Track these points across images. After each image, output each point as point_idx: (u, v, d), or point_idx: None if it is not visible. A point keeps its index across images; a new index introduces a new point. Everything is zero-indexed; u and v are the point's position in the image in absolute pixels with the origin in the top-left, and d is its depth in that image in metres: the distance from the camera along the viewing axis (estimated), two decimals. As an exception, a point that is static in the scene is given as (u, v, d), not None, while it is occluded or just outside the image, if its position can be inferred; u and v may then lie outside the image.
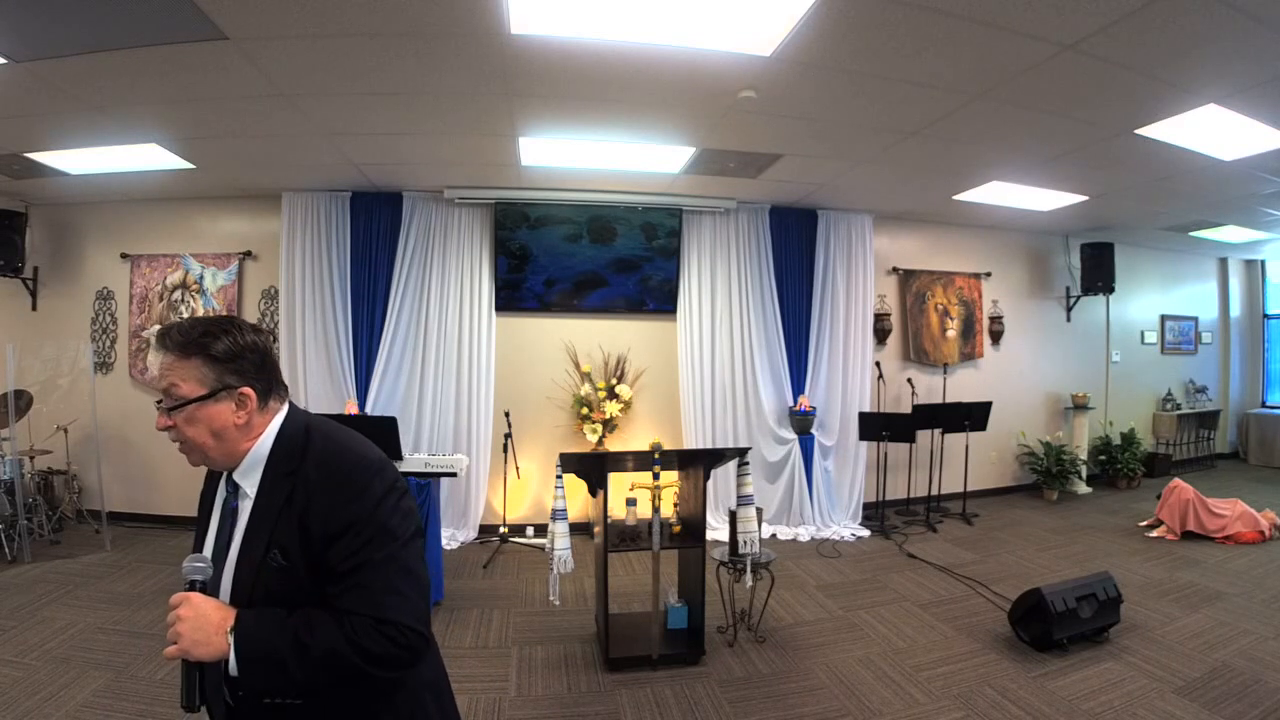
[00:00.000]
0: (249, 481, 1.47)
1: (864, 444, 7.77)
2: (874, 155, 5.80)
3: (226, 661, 1.31)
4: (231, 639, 1.31)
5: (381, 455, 1.53)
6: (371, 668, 1.35)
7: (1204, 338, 11.07)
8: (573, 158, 5.99)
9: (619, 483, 4.54)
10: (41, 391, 6.83)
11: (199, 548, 1.51)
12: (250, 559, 1.41)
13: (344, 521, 1.39)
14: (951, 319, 8.71)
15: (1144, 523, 7.37)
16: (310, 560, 1.40)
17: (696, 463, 4.49)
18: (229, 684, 1.35)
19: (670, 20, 3.59)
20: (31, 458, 6.56)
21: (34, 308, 7.30)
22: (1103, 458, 9.44)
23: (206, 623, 1.31)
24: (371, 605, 1.37)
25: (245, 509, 1.46)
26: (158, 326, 7.17)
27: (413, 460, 5.21)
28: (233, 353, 1.45)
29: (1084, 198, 7.14)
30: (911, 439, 7.49)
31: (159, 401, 1.44)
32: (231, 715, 1.42)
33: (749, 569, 4.48)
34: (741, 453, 4.50)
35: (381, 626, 1.35)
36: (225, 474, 1.51)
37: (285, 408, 1.56)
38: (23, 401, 6.54)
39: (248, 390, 1.47)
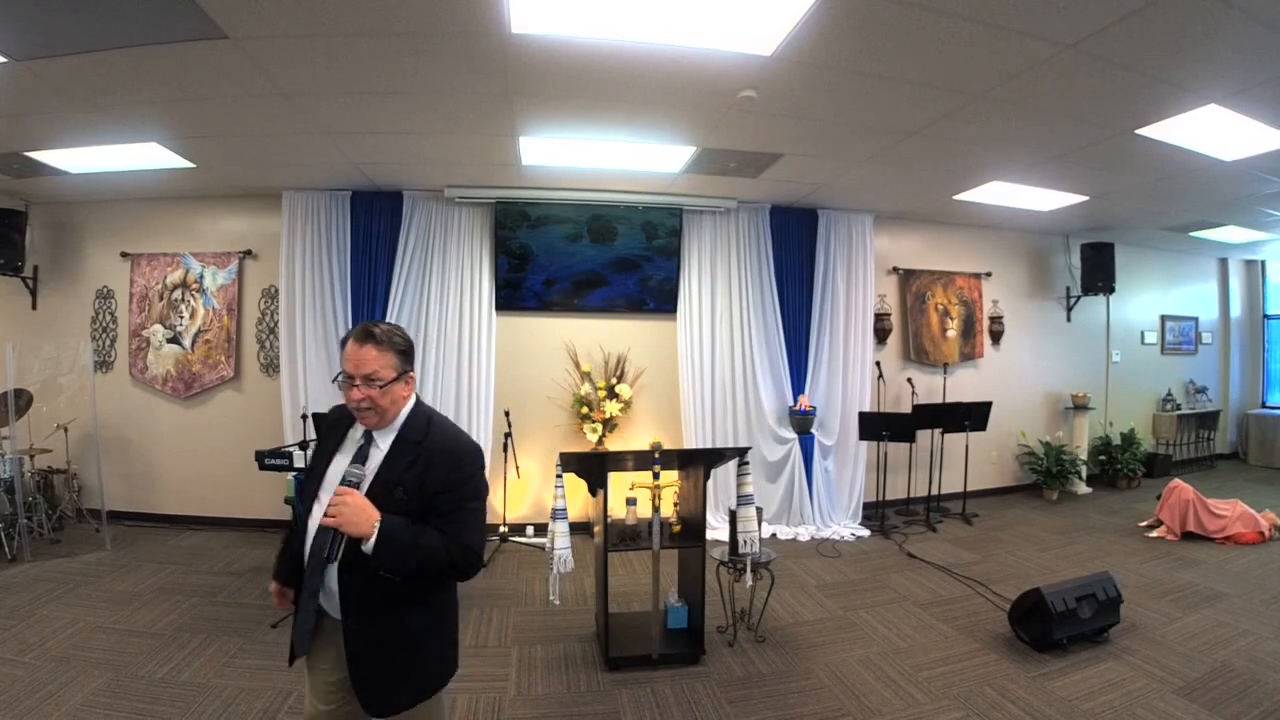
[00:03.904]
0: (385, 439, 2.22)
1: (864, 444, 7.77)
2: (874, 155, 5.80)
3: (352, 540, 2.01)
4: (378, 525, 1.99)
5: (477, 443, 2.35)
6: (449, 570, 2.15)
7: (1204, 338, 11.08)
8: (573, 157, 5.99)
9: (619, 482, 4.54)
10: (41, 390, 6.83)
11: (317, 472, 2.29)
12: (382, 488, 2.12)
13: (452, 482, 2.18)
14: (951, 319, 8.71)
15: (1144, 523, 7.37)
16: (421, 499, 2.13)
17: (696, 462, 4.49)
18: (347, 562, 2.06)
19: (671, 20, 3.59)
20: (31, 456, 6.56)
21: (34, 306, 7.30)
22: (1103, 458, 9.44)
23: (364, 511, 2.01)
24: (461, 534, 2.15)
25: (376, 455, 2.19)
26: (158, 326, 7.19)
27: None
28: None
29: (1084, 198, 7.14)
30: (911, 439, 7.50)
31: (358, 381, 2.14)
32: (343, 574, 2.10)
33: (749, 569, 4.48)
34: (741, 452, 4.50)
35: (464, 548, 2.15)
36: (363, 430, 2.24)
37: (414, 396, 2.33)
38: (23, 400, 6.54)
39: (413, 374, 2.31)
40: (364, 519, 2.00)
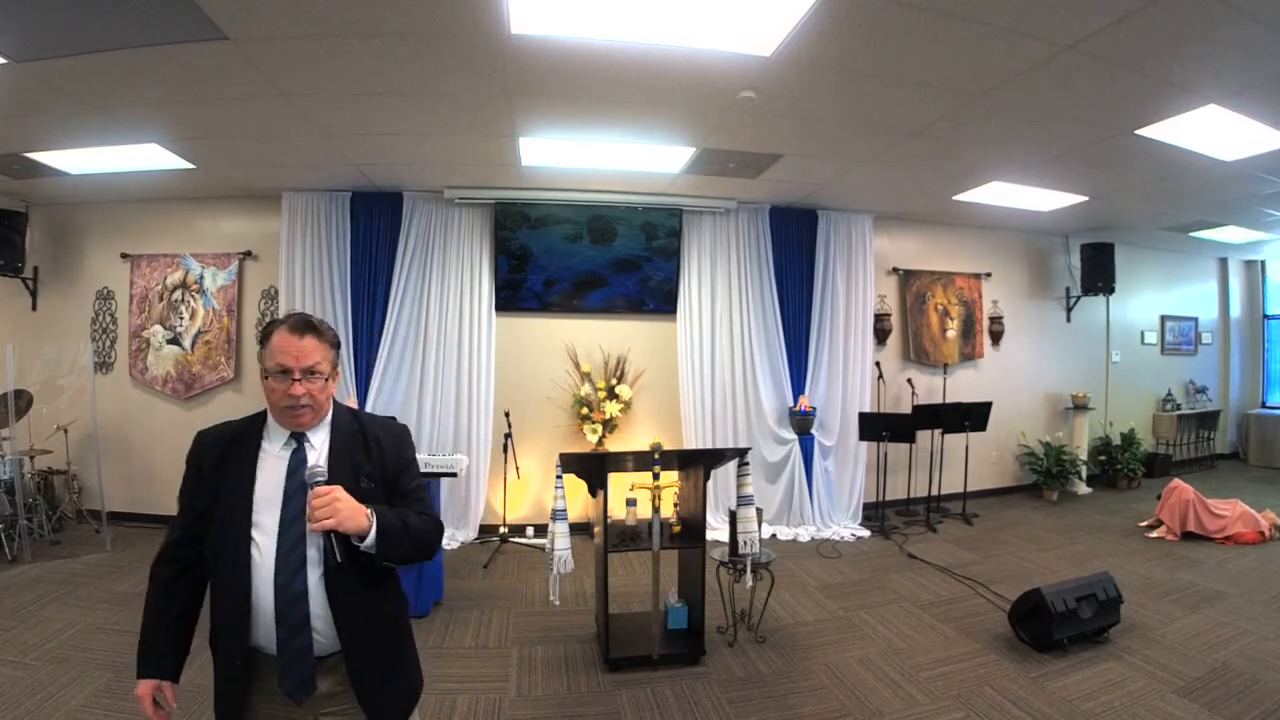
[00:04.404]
0: (319, 437, 2.03)
1: (864, 444, 7.77)
2: (874, 155, 5.80)
3: (346, 536, 1.85)
4: (374, 518, 1.87)
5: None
6: (429, 545, 2.08)
7: (1204, 338, 11.08)
8: (573, 158, 5.99)
9: (619, 483, 4.54)
10: (42, 391, 6.83)
11: (238, 495, 1.92)
12: (343, 481, 1.91)
13: (406, 461, 2.16)
14: (951, 319, 8.71)
15: (1144, 523, 7.37)
16: (385, 483, 2.06)
17: (696, 463, 4.49)
18: (345, 555, 1.86)
19: (670, 20, 3.59)
20: (32, 458, 6.57)
21: (34, 308, 7.30)
22: (1103, 458, 9.44)
23: (355, 506, 1.85)
24: (429, 509, 2.14)
25: (313, 454, 1.99)
26: (158, 327, 7.19)
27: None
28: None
29: (1084, 198, 7.14)
30: (911, 439, 7.50)
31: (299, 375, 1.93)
32: (332, 585, 1.90)
33: (749, 569, 4.48)
34: (741, 453, 4.50)
35: (435, 521, 2.13)
36: (288, 437, 2.00)
37: None
38: (23, 401, 6.54)
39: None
40: (359, 512, 1.85)
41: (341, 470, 1.96)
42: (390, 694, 2.03)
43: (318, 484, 1.86)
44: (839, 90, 4.45)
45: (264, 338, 1.99)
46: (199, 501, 1.96)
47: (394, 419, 2.27)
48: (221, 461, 1.97)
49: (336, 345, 2.06)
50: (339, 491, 1.85)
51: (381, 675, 2.01)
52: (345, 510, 1.82)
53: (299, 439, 2.00)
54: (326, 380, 1.99)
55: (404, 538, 1.95)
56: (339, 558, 1.84)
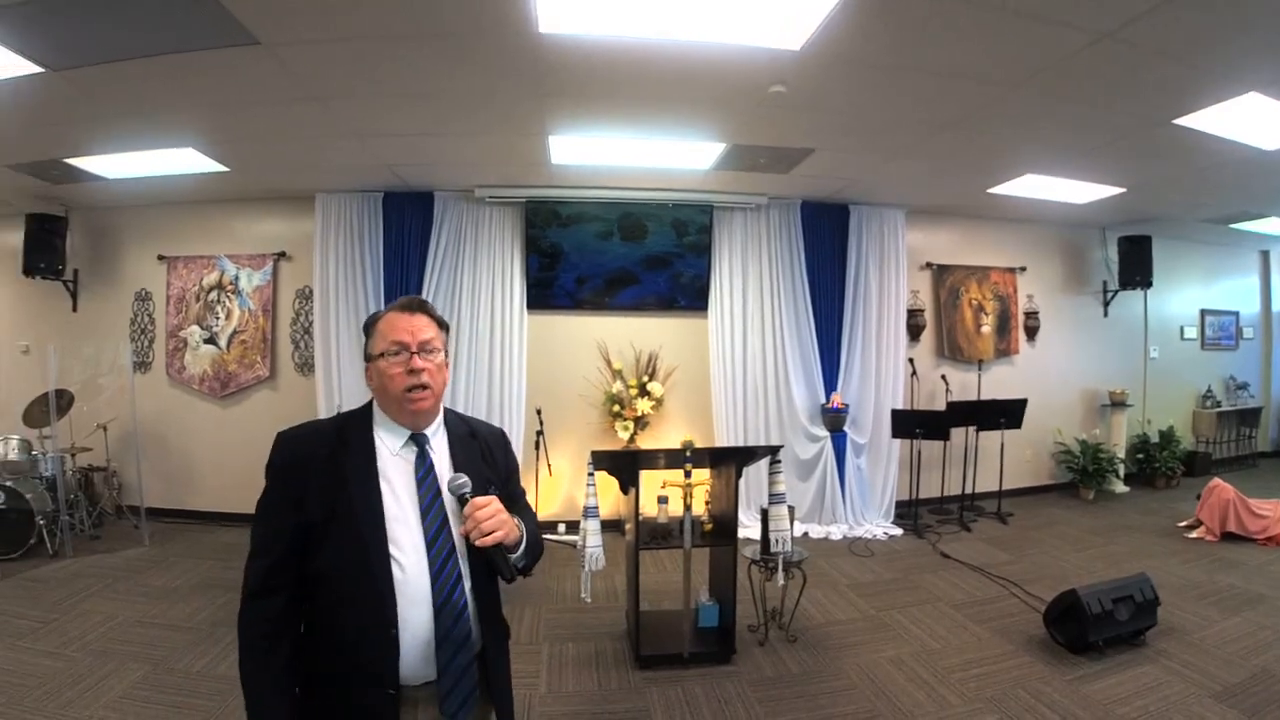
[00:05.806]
0: (438, 439, 1.88)
1: (897, 442, 7.68)
2: (907, 149, 5.74)
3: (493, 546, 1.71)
4: (523, 527, 1.84)
5: None
6: (542, 553, 2.04)
7: (1245, 333, 10.81)
8: (603, 155, 6.01)
9: (650, 480, 4.54)
10: (82, 391, 6.97)
11: (373, 494, 1.72)
12: (478, 491, 1.77)
13: (514, 466, 2.09)
14: (986, 315, 8.60)
15: (1183, 523, 7.22)
16: (504, 491, 1.88)
17: (728, 461, 4.47)
18: (490, 565, 1.76)
19: (699, 16, 3.58)
20: (73, 455, 6.72)
21: (74, 309, 7.47)
22: (1141, 456, 9.26)
23: (510, 517, 1.77)
24: (533, 513, 2.07)
25: (440, 460, 1.84)
26: (195, 327, 7.31)
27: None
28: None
29: (1121, 190, 7.01)
30: (946, 437, 7.41)
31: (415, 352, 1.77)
32: (480, 597, 1.83)
33: (781, 567, 4.45)
34: (774, 451, 4.48)
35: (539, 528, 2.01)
36: (407, 437, 1.82)
37: None
38: (64, 400, 6.66)
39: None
40: (513, 523, 1.76)
41: (472, 478, 1.78)
42: (504, 704, 2.00)
43: (466, 495, 1.73)
44: (870, 83, 4.40)
45: (368, 327, 1.84)
46: (308, 511, 1.70)
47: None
48: (333, 461, 1.75)
49: (446, 328, 1.90)
50: (498, 502, 1.74)
51: (501, 684, 2.01)
52: (508, 520, 1.74)
53: (419, 442, 1.82)
54: (443, 360, 1.85)
55: (536, 546, 1.93)
56: (510, 576, 1.75)
